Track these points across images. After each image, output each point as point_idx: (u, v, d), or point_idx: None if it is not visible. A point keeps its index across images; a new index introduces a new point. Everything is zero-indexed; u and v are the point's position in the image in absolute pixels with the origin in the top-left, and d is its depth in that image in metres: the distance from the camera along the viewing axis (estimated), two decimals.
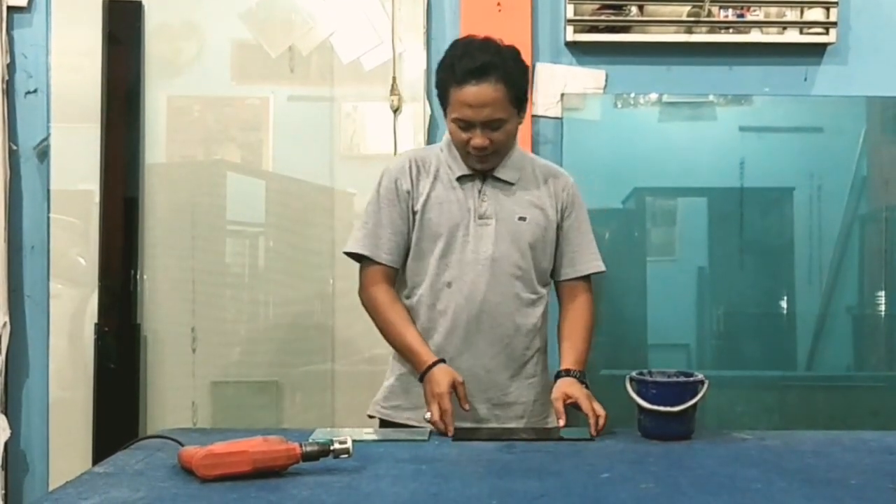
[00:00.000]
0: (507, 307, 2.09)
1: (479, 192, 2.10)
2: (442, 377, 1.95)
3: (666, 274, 3.08)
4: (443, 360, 2.02)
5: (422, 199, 2.10)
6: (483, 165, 2.09)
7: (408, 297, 2.14)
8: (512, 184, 2.12)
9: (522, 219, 2.10)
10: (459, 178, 2.11)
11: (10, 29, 3.01)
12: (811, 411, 2.99)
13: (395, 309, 2.10)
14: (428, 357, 2.01)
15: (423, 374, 2.00)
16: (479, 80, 1.97)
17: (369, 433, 1.90)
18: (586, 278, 2.20)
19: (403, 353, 2.09)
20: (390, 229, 2.11)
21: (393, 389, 2.16)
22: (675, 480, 1.47)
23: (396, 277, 2.16)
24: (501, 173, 2.12)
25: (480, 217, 2.09)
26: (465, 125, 2.02)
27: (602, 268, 2.21)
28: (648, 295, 3.04)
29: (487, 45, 2.03)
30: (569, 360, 2.08)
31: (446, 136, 2.14)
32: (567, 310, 2.19)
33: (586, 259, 2.19)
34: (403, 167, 2.13)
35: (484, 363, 2.09)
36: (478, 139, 2.01)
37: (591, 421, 1.88)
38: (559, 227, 2.16)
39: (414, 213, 2.11)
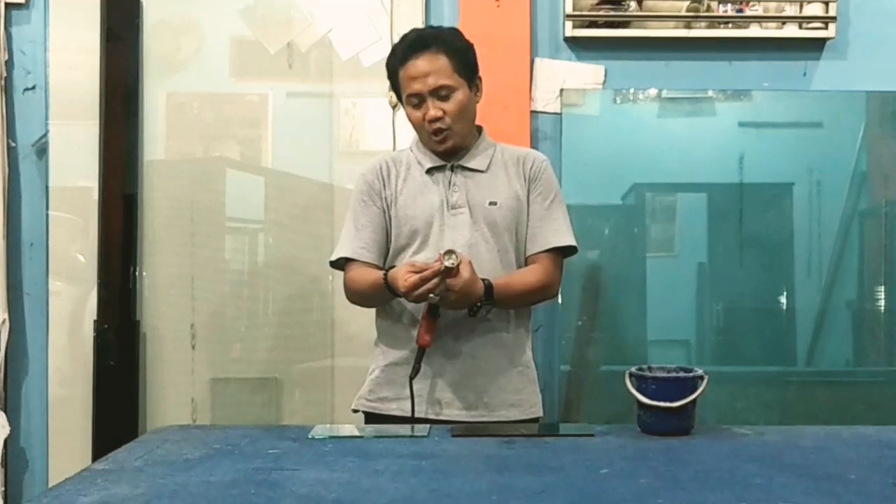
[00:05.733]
0: None
1: (450, 182, 2.12)
2: (399, 271, 1.98)
3: (665, 270, 3.07)
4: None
5: (394, 198, 2.14)
6: (445, 145, 2.10)
7: None
8: (481, 171, 2.14)
9: (493, 203, 2.11)
10: (429, 171, 2.14)
11: (8, 25, 3.01)
12: (811, 406, 2.99)
13: (362, 273, 2.12)
14: (380, 273, 2.06)
15: (385, 283, 2.03)
16: (420, 53, 2.06)
17: (369, 429, 1.89)
18: (551, 252, 2.14)
19: (374, 292, 2.09)
20: (370, 228, 2.15)
21: (378, 381, 2.16)
22: (675, 476, 1.47)
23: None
24: (470, 162, 2.14)
25: (453, 207, 2.10)
26: (418, 101, 2.08)
27: (566, 242, 2.14)
28: (648, 291, 3.03)
29: (426, 28, 2.18)
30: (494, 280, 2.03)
31: (414, 136, 2.19)
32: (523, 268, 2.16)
33: (547, 234, 2.14)
34: (375, 168, 2.20)
35: (469, 350, 2.08)
36: (430, 110, 2.06)
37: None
38: (528, 204, 2.16)
39: (389, 212, 2.14)
